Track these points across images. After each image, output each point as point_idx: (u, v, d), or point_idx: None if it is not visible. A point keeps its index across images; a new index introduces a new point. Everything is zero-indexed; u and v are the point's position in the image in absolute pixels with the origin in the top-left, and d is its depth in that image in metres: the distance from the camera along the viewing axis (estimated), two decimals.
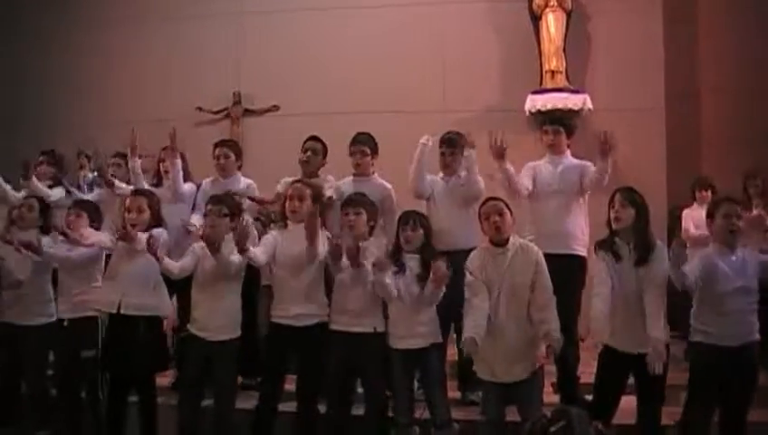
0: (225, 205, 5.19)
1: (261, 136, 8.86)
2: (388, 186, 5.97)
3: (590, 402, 4.90)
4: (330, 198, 5.65)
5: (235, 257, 4.93)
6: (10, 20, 9.84)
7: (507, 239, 4.77)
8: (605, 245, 4.80)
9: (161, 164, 6.31)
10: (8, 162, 7.02)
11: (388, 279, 4.84)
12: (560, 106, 8.08)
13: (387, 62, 8.91)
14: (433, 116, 8.35)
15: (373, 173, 5.99)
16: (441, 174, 5.92)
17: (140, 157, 6.50)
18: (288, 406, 5.19)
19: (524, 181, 5.70)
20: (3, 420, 5.59)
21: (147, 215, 5.24)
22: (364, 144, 5.95)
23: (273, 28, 9.26)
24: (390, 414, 4.99)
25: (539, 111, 8.21)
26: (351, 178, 5.97)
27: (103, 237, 5.31)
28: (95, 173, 8.69)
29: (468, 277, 4.79)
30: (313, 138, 6.19)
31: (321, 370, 5.16)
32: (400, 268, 4.94)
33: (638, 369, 4.66)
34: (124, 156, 6.74)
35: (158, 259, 4.91)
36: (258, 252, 5.01)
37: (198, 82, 9.35)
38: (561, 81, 8.33)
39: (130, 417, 5.29)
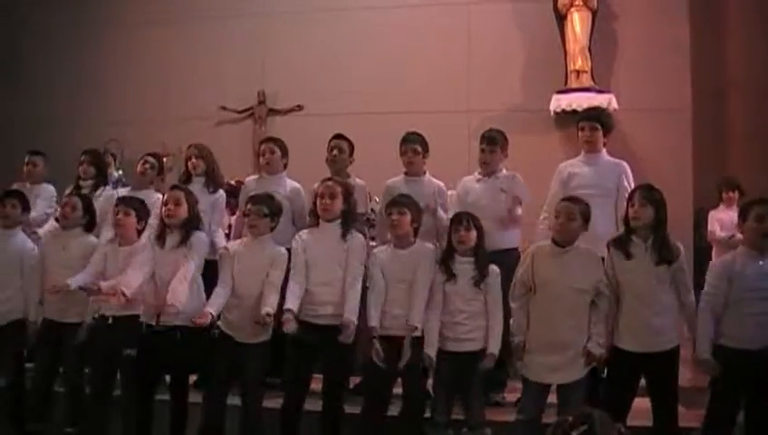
0: (266, 205, 5.17)
1: (284, 136, 8.76)
2: (440, 184, 5.90)
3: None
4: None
5: (270, 309, 4.91)
6: (36, 20, 9.93)
7: (571, 242, 4.72)
8: (617, 243, 4.75)
9: (188, 162, 6.30)
10: None
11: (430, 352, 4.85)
12: (585, 106, 8.02)
13: (411, 62, 8.90)
14: (457, 116, 8.34)
15: (425, 173, 5.93)
16: (477, 173, 5.84)
17: (166, 156, 6.50)
18: (315, 405, 5.15)
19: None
20: (37, 417, 5.63)
21: (184, 209, 5.20)
22: (415, 143, 5.87)
23: (298, 28, 9.27)
24: (428, 415, 4.94)
25: (564, 111, 8.17)
26: (403, 177, 5.90)
27: (142, 276, 5.16)
28: (120, 172, 8.77)
29: (512, 286, 4.79)
30: (338, 136, 6.14)
31: (347, 370, 5.11)
32: (450, 277, 4.89)
33: (648, 369, 4.61)
34: (156, 155, 6.75)
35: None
36: (293, 293, 4.97)
37: (223, 81, 9.41)
38: (586, 80, 8.28)
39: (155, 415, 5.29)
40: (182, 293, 4.98)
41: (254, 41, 9.38)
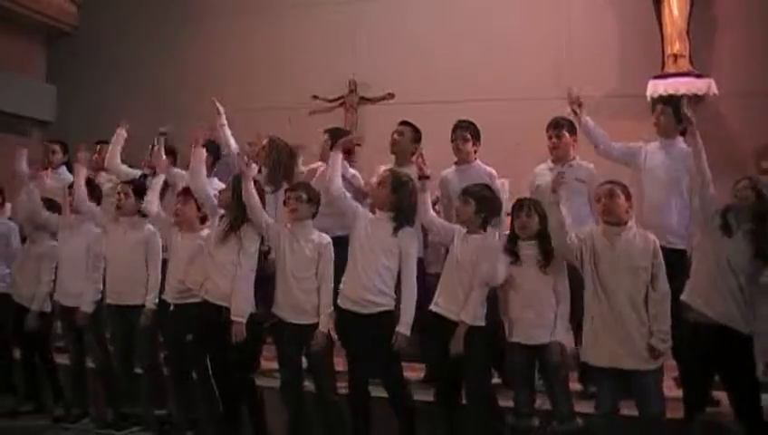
0: (304, 191, 5.23)
1: (376, 124, 8.89)
2: (490, 170, 5.90)
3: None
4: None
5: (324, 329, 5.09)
6: (134, 12, 10.21)
7: (623, 222, 4.69)
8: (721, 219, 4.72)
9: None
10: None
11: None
12: (683, 91, 7.80)
13: (504, 48, 8.84)
14: (551, 102, 8.18)
15: (475, 160, 5.94)
16: (550, 161, 5.80)
17: (251, 144, 6.54)
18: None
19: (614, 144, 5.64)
20: (127, 400, 5.81)
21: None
22: (464, 130, 5.92)
23: (389, 16, 9.30)
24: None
25: (661, 97, 7.96)
26: (454, 166, 5.96)
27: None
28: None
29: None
30: (403, 122, 6.15)
31: (394, 357, 5.07)
32: (516, 259, 4.88)
33: (719, 357, 4.57)
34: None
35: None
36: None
37: (314, 70, 9.49)
38: (684, 65, 8.05)
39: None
40: (244, 304, 5.15)
41: (344, 29, 9.45)
